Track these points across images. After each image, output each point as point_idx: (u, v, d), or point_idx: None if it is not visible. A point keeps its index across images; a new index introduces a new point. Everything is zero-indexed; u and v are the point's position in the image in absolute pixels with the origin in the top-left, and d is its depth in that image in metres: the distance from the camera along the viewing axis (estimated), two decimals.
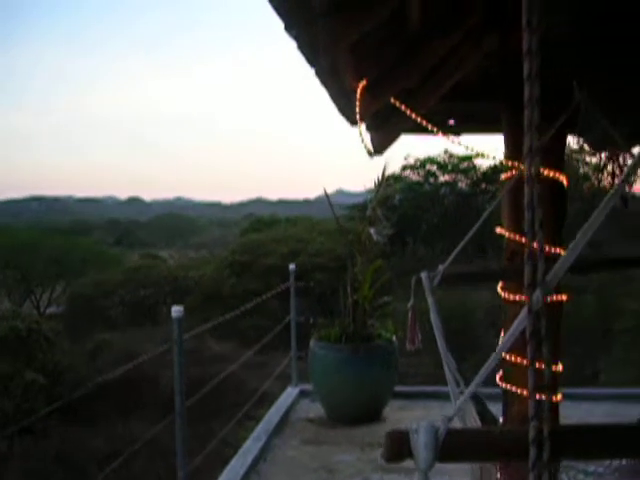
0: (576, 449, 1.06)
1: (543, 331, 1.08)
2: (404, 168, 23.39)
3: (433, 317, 2.64)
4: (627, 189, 4.28)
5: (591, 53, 3.52)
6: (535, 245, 1.07)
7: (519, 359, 3.68)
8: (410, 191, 23.29)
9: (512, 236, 3.61)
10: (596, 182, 19.57)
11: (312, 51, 3.11)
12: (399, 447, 1.08)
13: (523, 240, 3.55)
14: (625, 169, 4.21)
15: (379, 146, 4.97)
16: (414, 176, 23.61)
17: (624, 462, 2.66)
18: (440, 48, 3.66)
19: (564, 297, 3.72)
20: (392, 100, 3.87)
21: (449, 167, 23.19)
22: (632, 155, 3.48)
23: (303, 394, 7.89)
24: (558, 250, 3.54)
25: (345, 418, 7.01)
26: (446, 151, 23.03)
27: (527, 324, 1.08)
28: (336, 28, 2.88)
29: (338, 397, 7.08)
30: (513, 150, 3.65)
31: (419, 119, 4.16)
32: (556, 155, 3.53)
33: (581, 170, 20.27)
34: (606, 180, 20.20)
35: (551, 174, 3.52)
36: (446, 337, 2.69)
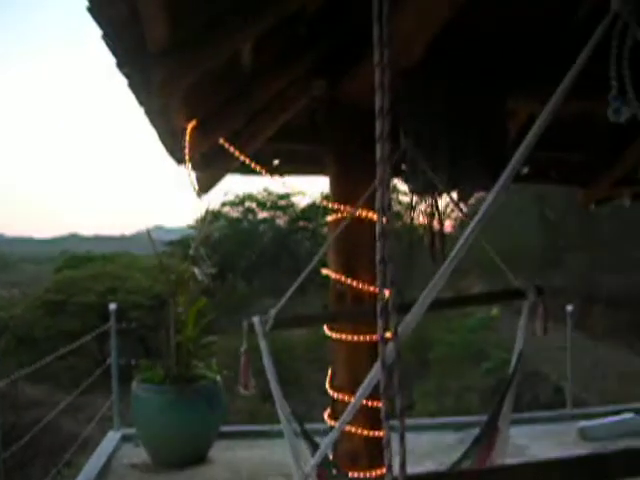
0: None
1: (396, 384, 1.11)
2: (224, 204, 23.43)
3: (266, 362, 2.64)
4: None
5: (416, 103, 3.70)
6: (387, 297, 1.10)
7: (347, 397, 3.77)
8: (230, 228, 23.35)
9: (338, 278, 3.69)
10: (409, 220, 20.43)
11: (143, 90, 3.05)
12: None
13: (349, 282, 3.65)
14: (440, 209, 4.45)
15: (204, 185, 4.95)
16: (234, 213, 23.69)
17: None
18: (268, 91, 3.71)
19: (388, 335, 3.85)
20: (221, 141, 3.87)
21: (268, 204, 23.47)
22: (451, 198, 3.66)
23: (126, 439, 7.58)
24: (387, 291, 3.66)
25: (170, 462, 6.83)
26: (265, 189, 23.31)
27: (380, 378, 1.10)
28: (171, 69, 2.84)
29: (162, 440, 6.89)
30: (340, 193, 3.73)
31: (246, 160, 4.19)
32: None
33: (395, 208, 21.14)
34: (417, 219, 21.17)
35: (373, 217, 3.64)
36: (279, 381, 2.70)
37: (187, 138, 3.74)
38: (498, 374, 15.98)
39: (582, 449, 7.01)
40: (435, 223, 4.39)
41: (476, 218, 1.35)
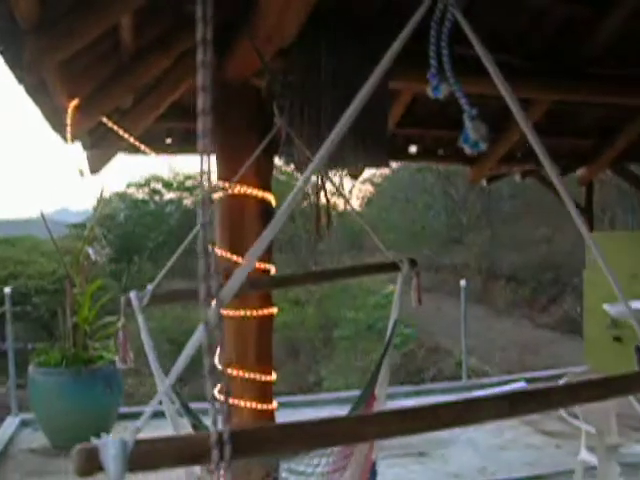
0: (256, 448, 1.17)
1: (219, 343, 1.17)
2: (129, 185, 23.01)
3: (144, 336, 2.67)
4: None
5: (301, 80, 3.76)
6: (208, 263, 1.16)
7: (236, 372, 3.83)
8: (135, 209, 22.97)
9: (225, 255, 3.73)
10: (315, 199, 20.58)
11: (19, 68, 3.02)
12: (89, 462, 1.11)
13: (235, 259, 3.71)
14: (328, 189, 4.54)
15: (95, 165, 4.91)
16: (139, 194, 23.31)
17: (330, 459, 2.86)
18: (152, 70, 3.70)
19: (274, 310, 3.93)
20: (105, 119, 3.85)
21: (174, 185, 23.17)
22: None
23: (24, 424, 7.46)
24: (266, 266, 3.73)
25: (70, 445, 6.71)
26: (172, 169, 23.00)
27: (203, 338, 1.16)
28: (42, 46, 2.82)
29: (61, 423, 6.80)
30: (224, 170, 3.76)
31: (132, 139, 4.18)
32: (263, 176, 3.70)
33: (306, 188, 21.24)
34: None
35: (259, 194, 3.70)
36: (158, 355, 2.70)
37: (69, 116, 3.71)
38: (402, 349, 16.34)
39: None
40: (323, 199, 4.47)
41: (295, 190, 1.42)
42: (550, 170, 1.56)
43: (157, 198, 23.41)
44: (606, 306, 8.15)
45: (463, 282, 8.97)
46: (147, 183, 23.05)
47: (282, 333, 16.62)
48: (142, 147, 4.24)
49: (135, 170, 27.36)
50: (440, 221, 22.14)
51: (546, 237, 18.95)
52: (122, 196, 22.65)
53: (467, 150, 1.34)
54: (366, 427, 1.28)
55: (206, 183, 1.19)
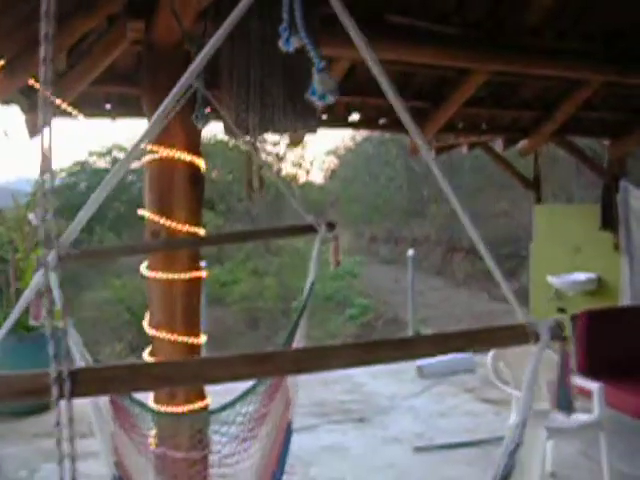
0: (100, 386, 1.21)
1: (51, 289, 1.22)
2: (90, 154, 22.79)
3: (56, 294, 2.67)
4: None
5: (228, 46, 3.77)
6: (46, 209, 1.19)
7: (164, 334, 3.87)
8: (96, 178, 22.75)
9: (152, 217, 3.75)
10: (276, 170, 20.66)
11: None
12: None
13: (162, 221, 3.73)
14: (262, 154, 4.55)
15: (34, 129, 4.88)
16: (101, 163, 23.10)
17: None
18: (76, 32, 3.69)
19: (203, 274, 3.97)
20: (31, 82, 3.83)
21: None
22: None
23: None
24: (194, 229, 3.76)
25: (12, 411, 6.76)
26: (133, 138, 22.79)
27: (41, 282, 1.20)
28: None
29: None
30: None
31: (65, 103, 4.17)
32: (191, 141, 3.71)
33: (265, 158, 21.23)
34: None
35: (187, 158, 3.71)
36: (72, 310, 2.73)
37: None
38: (361, 319, 16.49)
39: (417, 385, 7.43)
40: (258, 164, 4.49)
41: (130, 150, 1.46)
42: (417, 137, 1.61)
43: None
44: (550, 278, 8.31)
45: (410, 252, 9.08)
46: (109, 152, 22.85)
47: (241, 304, 16.70)
48: (74, 112, 4.22)
49: (99, 138, 26.98)
50: (402, 194, 22.27)
51: (505, 211, 19.16)
52: (83, 165, 22.44)
53: (316, 102, 1.38)
54: (213, 369, 1.33)
55: (44, 151, 1.21)
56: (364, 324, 15.96)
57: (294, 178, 21.91)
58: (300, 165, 22.19)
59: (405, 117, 1.58)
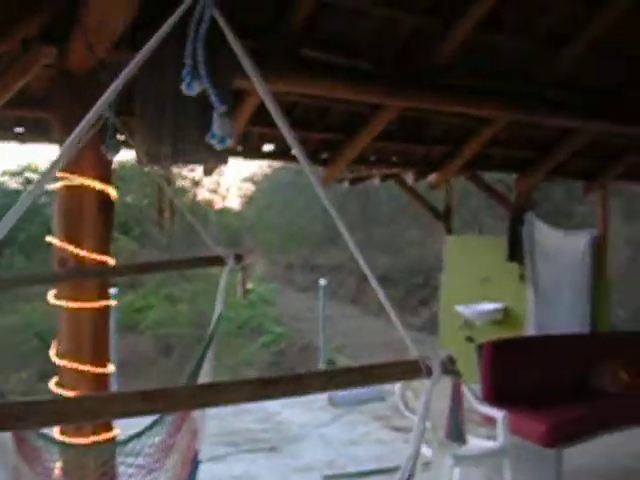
0: None
1: None
2: (3, 174, 22.22)
3: None
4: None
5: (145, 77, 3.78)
6: None
7: (71, 364, 3.81)
8: (8, 198, 22.17)
9: (61, 244, 3.71)
10: (192, 195, 20.58)
11: None
12: None
13: (71, 249, 3.69)
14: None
15: None
16: (13, 184, 22.52)
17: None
18: None
19: (112, 303, 3.94)
20: None
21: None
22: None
23: None
24: (103, 257, 3.73)
25: None
26: (48, 159, 22.33)
27: None
28: None
29: None
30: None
31: None
32: (101, 169, 3.70)
33: (180, 184, 21.10)
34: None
35: (97, 186, 3.69)
36: None
37: None
38: (275, 347, 16.49)
39: (329, 414, 7.48)
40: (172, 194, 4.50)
41: (41, 176, 1.48)
42: (309, 170, 1.67)
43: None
44: (459, 307, 8.50)
45: (322, 281, 9.17)
46: (21, 172, 22.33)
47: (154, 331, 16.47)
48: None
49: (14, 158, 26.33)
50: (317, 222, 22.41)
51: (419, 240, 19.50)
52: None
53: (215, 145, 1.42)
54: (109, 406, 1.35)
55: None
56: (278, 351, 15.97)
57: (210, 204, 21.84)
58: (216, 191, 22.18)
59: (295, 146, 1.64)
